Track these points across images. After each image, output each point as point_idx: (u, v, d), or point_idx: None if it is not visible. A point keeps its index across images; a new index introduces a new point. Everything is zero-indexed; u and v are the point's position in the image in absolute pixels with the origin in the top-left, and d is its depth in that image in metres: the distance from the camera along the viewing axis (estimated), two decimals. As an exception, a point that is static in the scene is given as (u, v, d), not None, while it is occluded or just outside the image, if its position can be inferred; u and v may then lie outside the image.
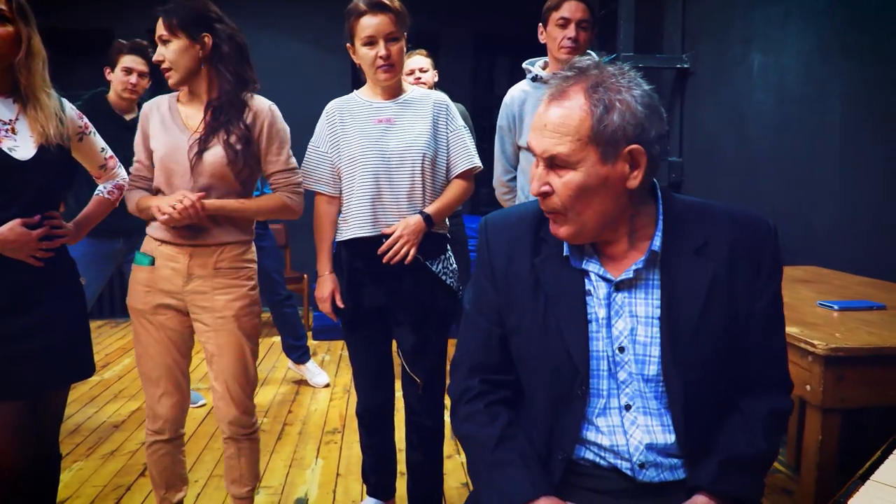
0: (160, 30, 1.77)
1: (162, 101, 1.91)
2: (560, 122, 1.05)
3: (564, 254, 1.16)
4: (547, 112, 1.07)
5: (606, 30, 4.59)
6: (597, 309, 1.15)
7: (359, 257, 1.99)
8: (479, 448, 1.18)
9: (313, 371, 3.79)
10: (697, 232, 1.14)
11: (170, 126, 1.85)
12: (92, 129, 1.90)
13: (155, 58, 1.82)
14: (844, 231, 2.73)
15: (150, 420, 1.95)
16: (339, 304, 2.03)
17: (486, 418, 1.19)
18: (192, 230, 1.83)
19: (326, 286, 2.04)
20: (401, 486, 2.33)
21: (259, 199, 1.92)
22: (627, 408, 1.15)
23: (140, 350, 1.91)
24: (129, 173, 1.98)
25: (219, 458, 2.79)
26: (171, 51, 1.77)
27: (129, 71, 2.95)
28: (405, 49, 1.98)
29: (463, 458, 2.81)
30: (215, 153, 1.81)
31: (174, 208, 1.73)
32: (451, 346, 3.96)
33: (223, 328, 1.86)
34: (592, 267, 1.15)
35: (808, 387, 1.62)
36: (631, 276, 1.13)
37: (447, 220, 2.09)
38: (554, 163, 1.07)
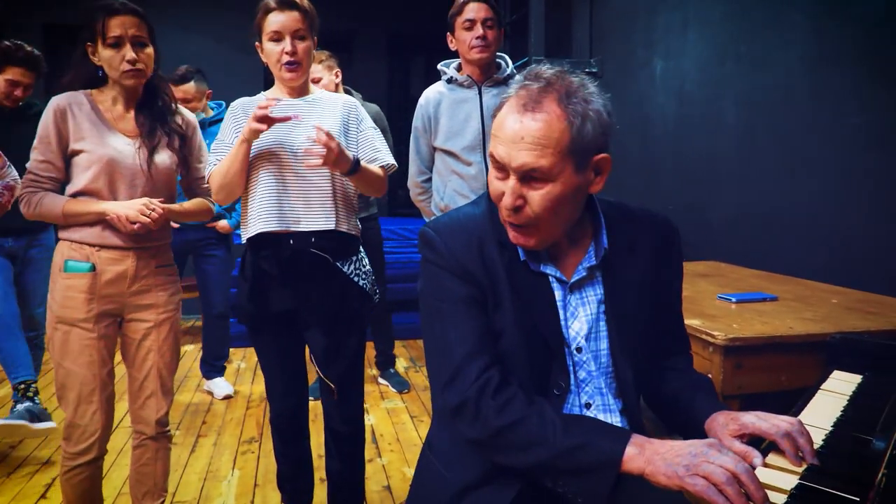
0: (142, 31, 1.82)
1: (77, 99, 1.83)
2: (541, 135, 1.02)
3: (521, 258, 1.15)
4: (522, 124, 1.03)
5: (518, 35, 4.68)
6: (558, 310, 1.17)
7: (265, 259, 1.93)
8: (540, 420, 1.04)
9: (218, 383, 3.68)
10: (627, 230, 1.20)
11: (101, 128, 1.82)
12: None
13: (134, 56, 1.79)
14: (740, 227, 2.91)
15: (75, 442, 1.84)
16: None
17: (526, 398, 1.08)
18: (141, 233, 1.84)
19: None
20: (322, 492, 2.29)
21: (192, 203, 2.03)
22: (587, 406, 1.18)
23: (70, 365, 1.81)
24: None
25: (127, 475, 2.65)
26: (147, 54, 1.84)
27: (14, 84, 2.74)
28: (313, 51, 1.95)
29: (385, 460, 2.80)
30: (163, 158, 1.88)
31: (149, 218, 1.78)
32: (370, 349, 3.94)
33: (165, 323, 1.93)
34: (549, 270, 1.17)
35: (709, 375, 1.72)
36: (584, 275, 1.17)
37: (359, 223, 2.06)
38: (531, 176, 1.04)
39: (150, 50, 1.83)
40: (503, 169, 1.07)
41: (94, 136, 1.80)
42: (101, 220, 1.81)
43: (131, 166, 1.83)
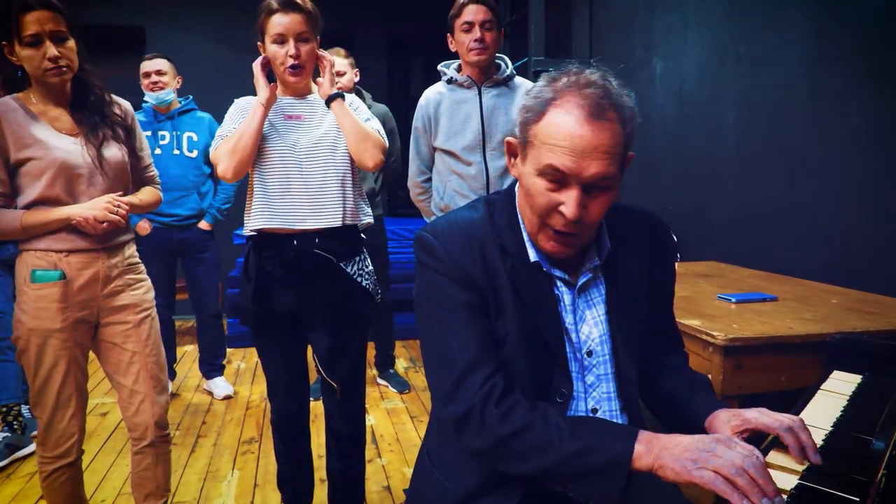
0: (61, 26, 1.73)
1: (8, 105, 1.73)
2: (611, 143, 1.00)
3: (534, 259, 1.13)
4: (594, 133, 1.00)
5: (517, 35, 4.68)
6: (565, 315, 1.15)
7: (268, 260, 1.93)
8: (545, 425, 1.03)
9: (218, 383, 3.68)
10: (623, 229, 1.19)
11: (43, 132, 1.73)
12: None
13: (56, 54, 1.70)
14: (740, 227, 2.91)
15: (53, 446, 1.83)
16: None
17: (529, 405, 1.06)
18: (108, 232, 1.80)
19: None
20: (322, 492, 2.29)
21: (145, 193, 2.01)
22: (594, 412, 1.16)
23: (46, 373, 1.78)
24: None
25: (127, 475, 2.66)
26: (69, 48, 1.75)
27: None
28: (316, 51, 1.95)
29: (385, 461, 2.80)
30: (114, 152, 1.83)
31: (118, 214, 1.76)
32: (370, 349, 3.94)
33: (145, 321, 1.90)
34: (558, 272, 1.15)
35: (709, 375, 1.71)
36: (589, 276, 1.16)
37: (370, 210, 2.06)
38: (597, 185, 1.02)
39: (71, 43, 1.73)
40: (561, 179, 1.03)
41: (37, 142, 1.70)
42: (66, 226, 1.74)
43: (85, 165, 1.76)
